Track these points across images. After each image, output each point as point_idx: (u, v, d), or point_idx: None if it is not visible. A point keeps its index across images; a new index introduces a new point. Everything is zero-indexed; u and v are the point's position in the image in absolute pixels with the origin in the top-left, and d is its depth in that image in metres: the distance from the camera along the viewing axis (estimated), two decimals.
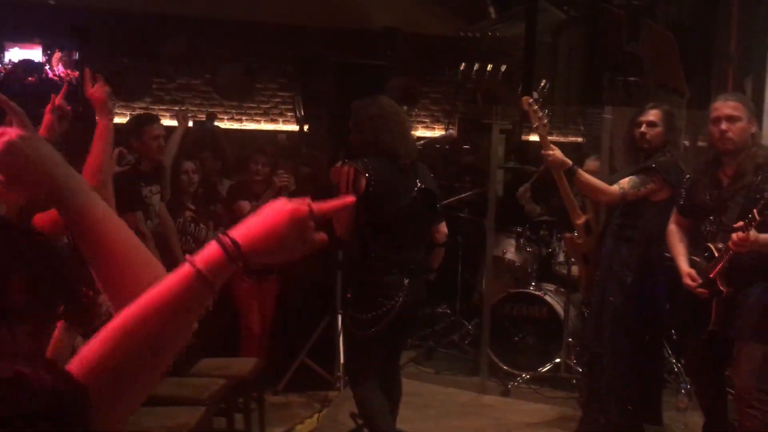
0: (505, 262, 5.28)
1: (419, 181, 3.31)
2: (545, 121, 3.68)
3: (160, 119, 4.30)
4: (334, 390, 4.60)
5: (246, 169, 4.72)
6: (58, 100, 2.39)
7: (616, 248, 3.74)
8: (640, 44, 5.47)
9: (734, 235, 2.95)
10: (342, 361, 4.65)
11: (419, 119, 8.62)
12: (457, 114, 8.64)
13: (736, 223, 3.05)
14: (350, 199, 1.05)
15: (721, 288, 3.15)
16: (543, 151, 3.69)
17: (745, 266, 3.11)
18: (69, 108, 2.51)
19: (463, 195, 5.73)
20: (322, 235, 1.00)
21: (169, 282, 0.91)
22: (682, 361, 4.75)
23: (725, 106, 3.25)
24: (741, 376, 3.16)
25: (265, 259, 1.00)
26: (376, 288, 3.22)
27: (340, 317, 4.76)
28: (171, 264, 3.50)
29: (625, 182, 3.64)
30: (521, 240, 5.26)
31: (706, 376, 3.57)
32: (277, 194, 4.48)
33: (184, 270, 0.92)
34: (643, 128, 3.73)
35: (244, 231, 0.96)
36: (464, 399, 4.63)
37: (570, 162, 3.67)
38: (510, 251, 5.27)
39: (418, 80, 8.35)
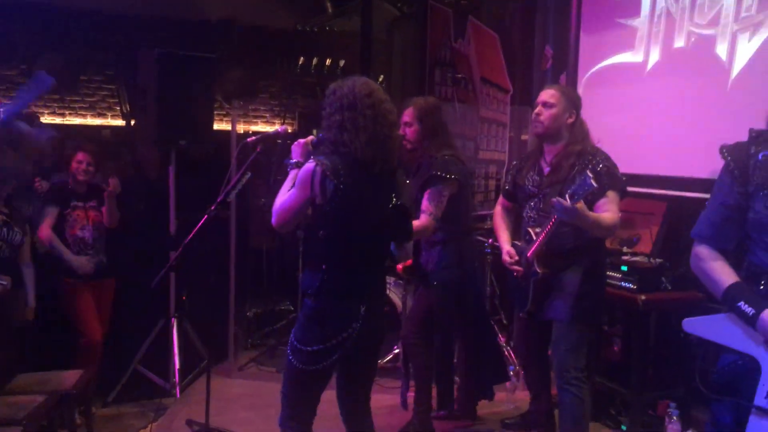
0: None
1: (395, 195, 2.73)
2: None
3: None
4: (170, 397, 4.40)
5: (67, 168, 4.39)
6: None
7: (428, 255, 3.80)
8: (466, 42, 5.69)
9: (557, 200, 3.03)
10: (177, 366, 4.47)
11: (258, 113, 8.48)
12: (297, 108, 8.61)
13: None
14: None
15: (538, 270, 3.35)
16: None
17: (561, 250, 3.32)
18: None
19: None
20: None
21: None
22: (512, 344, 5.03)
23: (545, 93, 3.45)
24: (558, 355, 3.38)
25: None
26: (327, 316, 2.66)
27: (174, 320, 4.58)
28: None
29: (429, 207, 3.55)
30: None
31: (529, 355, 3.79)
32: (99, 197, 4.29)
33: None
34: (402, 129, 3.69)
35: None
36: None
37: None
38: None
39: (256, 74, 8.19)
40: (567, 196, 3.02)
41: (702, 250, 2.26)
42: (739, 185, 2.16)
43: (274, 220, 2.69)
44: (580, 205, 3.03)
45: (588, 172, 2.99)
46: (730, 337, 2.13)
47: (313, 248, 2.72)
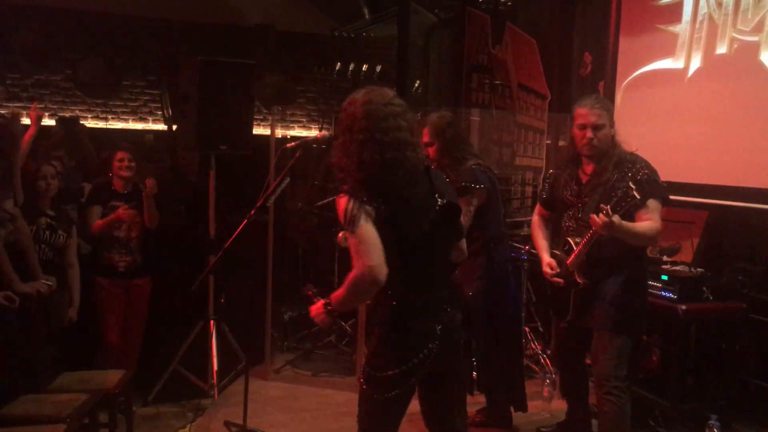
0: None
1: (438, 195, 2.52)
2: None
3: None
4: (208, 398, 4.47)
5: (108, 169, 4.49)
6: None
7: (468, 265, 3.72)
8: (504, 47, 5.67)
9: (598, 217, 3.01)
10: (215, 367, 4.53)
11: (295, 118, 8.56)
12: (334, 114, 8.66)
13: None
14: None
15: (578, 280, 3.32)
16: None
17: (601, 260, 3.28)
18: None
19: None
20: None
21: None
22: (548, 352, 4.99)
23: (592, 113, 3.31)
24: (599, 364, 3.34)
25: None
26: (400, 338, 2.48)
27: (213, 323, 4.65)
28: (26, 273, 3.24)
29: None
30: None
31: (567, 364, 3.76)
32: (148, 200, 4.39)
33: None
34: (424, 149, 3.61)
35: None
36: (340, 399, 4.62)
37: None
38: None
39: (293, 79, 8.28)
40: (609, 208, 2.99)
41: None
42: None
43: (376, 277, 2.32)
44: (617, 218, 2.99)
45: (630, 183, 2.95)
46: None
47: None
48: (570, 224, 3.45)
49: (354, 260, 2.36)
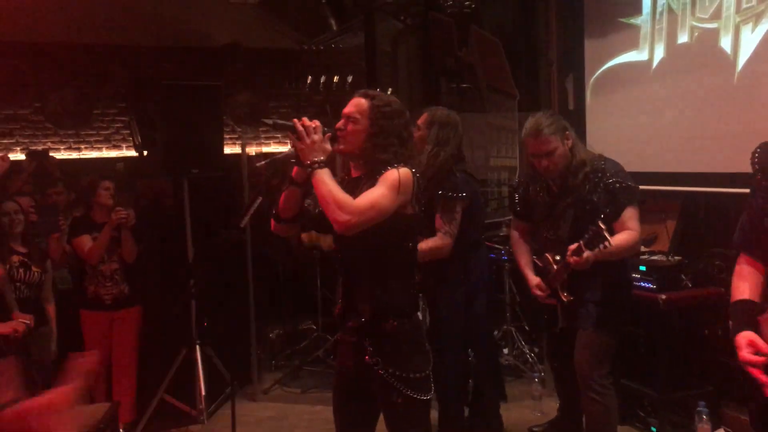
0: None
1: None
2: None
3: None
4: (197, 424, 4.43)
5: (91, 198, 4.44)
6: None
7: (441, 270, 3.69)
8: (470, 50, 5.69)
9: (572, 260, 3.05)
10: (203, 392, 4.49)
11: (270, 135, 8.54)
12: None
13: (569, 234, 3.24)
14: None
15: (564, 299, 3.31)
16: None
17: (582, 272, 3.19)
18: None
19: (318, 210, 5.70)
20: None
21: None
22: (536, 351, 5.00)
23: (538, 142, 3.25)
24: (582, 363, 3.33)
25: None
26: (422, 330, 2.49)
27: (198, 347, 4.60)
28: (3, 314, 3.18)
29: (445, 227, 3.56)
30: None
31: (560, 364, 3.74)
32: (116, 229, 4.31)
33: None
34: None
35: None
36: (331, 415, 4.57)
37: None
38: None
39: (265, 96, 8.26)
40: (582, 243, 2.99)
41: (739, 258, 2.24)
42: (762, 188, 2.10)
43: (351, 219, 2.21)
44: (587, 255, 3.00)
45: (600, 223, 2.92)
46: None
47: (395, 262, 2.38)
48: (549, 237, 3.43)
49: (367, 204, 2.24)
